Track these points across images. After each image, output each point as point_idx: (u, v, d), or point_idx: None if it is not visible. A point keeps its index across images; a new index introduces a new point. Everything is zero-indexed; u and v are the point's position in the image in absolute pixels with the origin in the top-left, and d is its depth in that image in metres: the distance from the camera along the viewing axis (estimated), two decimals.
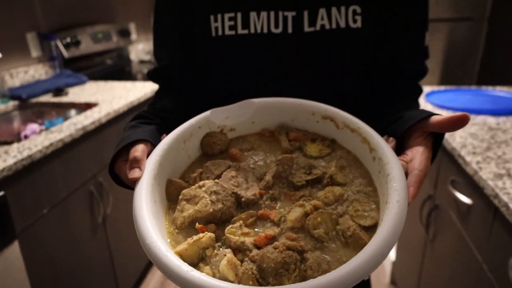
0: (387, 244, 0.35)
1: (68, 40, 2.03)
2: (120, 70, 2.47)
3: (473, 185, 0.93)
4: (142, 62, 2.75)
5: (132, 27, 2.80)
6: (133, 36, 2.79)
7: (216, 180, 0.47)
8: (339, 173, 0.48)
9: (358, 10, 0.61)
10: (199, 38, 0.67)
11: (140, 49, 2.90)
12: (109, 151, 1.49)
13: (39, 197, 1.14)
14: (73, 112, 1.68)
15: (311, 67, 0.63)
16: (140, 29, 2.95)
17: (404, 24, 0.64)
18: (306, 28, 0.61)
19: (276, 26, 0.62)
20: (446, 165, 1.13)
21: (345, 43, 0.62)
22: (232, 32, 0.63)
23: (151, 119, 0.59)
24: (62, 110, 1.67)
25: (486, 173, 0.86)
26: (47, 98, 1.71)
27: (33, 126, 1.52)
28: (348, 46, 0.62)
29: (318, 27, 0.61)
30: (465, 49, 2.55)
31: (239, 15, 0.62)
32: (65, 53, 2.00)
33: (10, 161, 1.02)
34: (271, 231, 0.41)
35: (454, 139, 1.07)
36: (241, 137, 0.58)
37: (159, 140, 0.51)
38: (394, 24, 0.63)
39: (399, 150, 0.49)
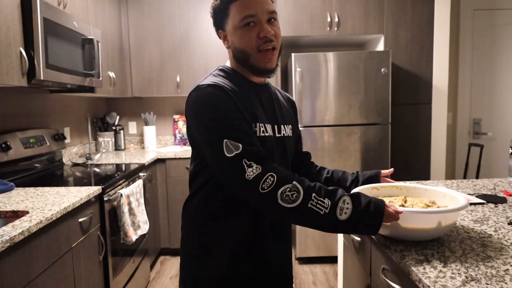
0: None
1: None
2: (51, 175, 2.38)
3: (400, 272, 1.03)
4: (75, 165, 2.69)
5: (67, 131, 2.79)
6: (67, 140, 2.77)
7: None
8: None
9: (290, 127, 1.27)
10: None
11: (74, 151, 2.85)
12: (38, 265, 1.37)
13: None
14: None
15: (283, 151, 1.21)
16: (75, 133, 2.94)
17: (298, 133, 1.39)
18: (277, 134, 1.19)
19: (273, 132, 1.17)
20: (375, 254, 1.24)
21: (290, 143, 1.25)
22: (264, 134, 1.13)
23: None
24: None
25: (409, 260, 0.98)
26: None
27: None
28: (291, 144, 1.27)
29: (281, 134, 1.21)
30: (377, 147, 2.96)
31: (261, 125, 1.13)
32: None
33: None
34: None
35: None
36: None
37: None
38: (297, 133, 1.35)
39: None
